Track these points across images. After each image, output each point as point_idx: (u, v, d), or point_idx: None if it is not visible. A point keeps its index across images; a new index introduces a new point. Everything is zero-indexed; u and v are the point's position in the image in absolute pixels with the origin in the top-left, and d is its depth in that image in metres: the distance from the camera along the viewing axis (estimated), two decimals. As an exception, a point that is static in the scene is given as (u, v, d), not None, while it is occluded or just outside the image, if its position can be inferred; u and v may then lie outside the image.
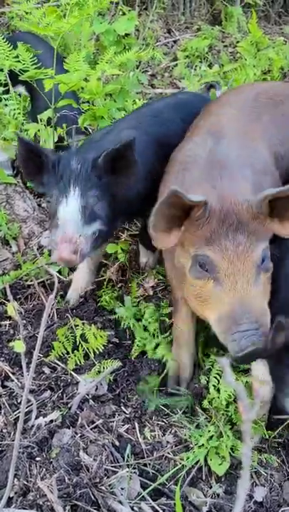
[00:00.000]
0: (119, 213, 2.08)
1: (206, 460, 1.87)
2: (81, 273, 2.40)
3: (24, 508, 1.66)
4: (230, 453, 1.87)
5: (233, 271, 1.58)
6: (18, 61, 2.51)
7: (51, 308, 2.29)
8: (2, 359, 2.13)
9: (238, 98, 2.23)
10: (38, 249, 2.56)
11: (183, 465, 1.83)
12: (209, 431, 1.90)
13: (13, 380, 2.07)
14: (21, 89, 3.01)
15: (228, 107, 2.17)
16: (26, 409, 1.94)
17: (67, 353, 2.13)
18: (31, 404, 1.96)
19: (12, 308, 1.28)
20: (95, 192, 1.94)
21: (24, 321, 2.25)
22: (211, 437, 1.88)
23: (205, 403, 1.98)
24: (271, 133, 2.08)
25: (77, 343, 2.13)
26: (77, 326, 2.14)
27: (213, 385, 2.00)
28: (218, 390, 2.00)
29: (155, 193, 2.08)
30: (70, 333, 2.15)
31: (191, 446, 1.89)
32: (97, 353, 2.11)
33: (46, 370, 2.13)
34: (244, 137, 1.97)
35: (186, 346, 2.12)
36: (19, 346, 1.30)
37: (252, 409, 0.68)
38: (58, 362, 2.12)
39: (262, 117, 2.10)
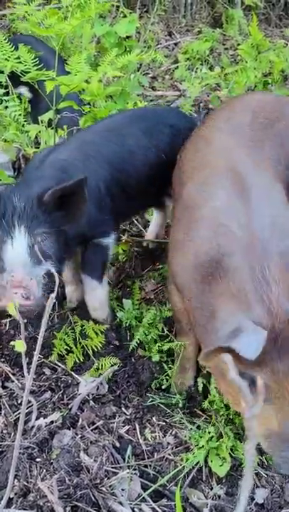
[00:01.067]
0: (68, 246, 1.96)
1: (206, 461, 1.86)
2: (71, 286, 2.35)
3: (24, 509, 1.65)
4: (230, 454, 1.86)
5: (283, 393, 1.45)
6: (20, 62, 2.52)
7: (52, 310, 2.29)
8: (3, 360, 2.13)
9: (231, 122, 2.05)
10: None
11: (183, 466, 1.83)
12: (209, 432, 1.90)
13: (13, 381, 2.07)
14: (23, 90, 3.02)
15: (222, 133, 2.01)
16: (26, 410, 1.94)
17: (67, 352, 2.13)
18: (32, 405, 1.96)
19: (13, 307, 1.28)
20: (43, 230, 1.79)
21: (25, 321, 2.25)
22: (211, 438, 1.88)
23: (205, 404, 1.98)
24: (277, 162, 1.95)
25: (77, 339, 2.13)
26: (76, 322, 2.15)
27: (215, 387, 2.00)
28: (220, 392, 1.99)
29: (106, 216, 2.07)
30: (70, 329, 2.15)
31: (192, 447, 1.89)
32: (97, 352, 2.11)
33: (47, 371, 2.13)
34: (268, 186, 1.81)
35: (192, 368, 2.10)
36: (20, 346, 1.30)
37: (255, 406, 0.68)
38: (58, 363, 2.12)
39: (264, 146, 1.95)
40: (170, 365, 2.12)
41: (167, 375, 2.11)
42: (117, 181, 2.15)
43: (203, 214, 1.76)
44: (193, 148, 2.07)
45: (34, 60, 2.55)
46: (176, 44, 4.61)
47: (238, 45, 4.40)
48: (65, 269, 2.15)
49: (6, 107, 2.87)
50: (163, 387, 2.10)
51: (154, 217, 2.69)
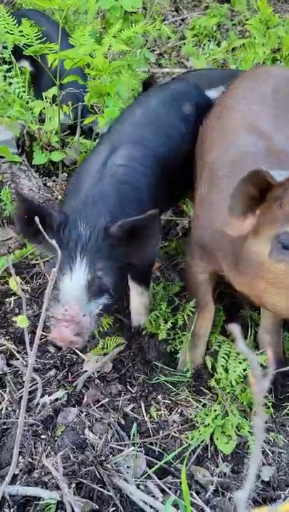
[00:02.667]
0: (125, 277, 1.88)
1: (212, 439, 1.85)
2: None
3: (29, 486, 1.65)
4: (236, 432, 1.85)
5: None
6: (22, 35, 2.47)
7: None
8: (7, 337, 2.12)
9: (254, 91, 2.04)
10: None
11: (189, 444, 1.82)
12: (215, 410, 1.88)
13: (18, 359, 2.06)
14: (26, 63, 2.97)
15: (245, 100, 2.00)
16: (31, 388, 1.94)
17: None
18: (36, 383, 1.95)
19: (14, 283, 1.26)
20: (105, 264, 1.66)
21: (29, 298, 2.24)
22: (216, 416, 1.87)
23: (212, 382, 1.96)
24: None
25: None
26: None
27: (222, 365, 1.98)
28: (227, 370, 1.97)
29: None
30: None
31: (197, 425, 1.88)
32: (102, 330, 2.09)
33: (51, 349, 2.11)
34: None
35: (203, 345, 2.08)
36: (23, 321, 1.28)
37: (265, 380, 0.65)
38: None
39: (286, 116, 1.92)
40: (176, 344, 2.10)
41: (174, 352, 2.09)
42: (162, 176, 2.02)
43: (217, 167, 1.78)
44: (215, 116, 2.06)
45: (37, 34, 2.49)
46: (183, 20, 4.51)
47: (247, 20, 4.30)
48: None
49: (10, 84, 2.83)
50: (169, 365, 2.08)
51: None
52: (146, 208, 1.71)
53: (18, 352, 2.07)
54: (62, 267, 1.64)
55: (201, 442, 1.83)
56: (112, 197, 1.78)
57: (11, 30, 2.54)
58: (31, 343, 1.35)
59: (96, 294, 1.66)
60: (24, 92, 2.80)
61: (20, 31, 2.53)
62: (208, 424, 1.84)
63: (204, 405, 1.93)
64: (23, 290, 2.04)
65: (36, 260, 2.38)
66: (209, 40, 4.16)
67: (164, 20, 4.38)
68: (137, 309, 2.16)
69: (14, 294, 2.27)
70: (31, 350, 1.32)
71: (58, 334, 1.61)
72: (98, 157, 1.91)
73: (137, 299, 2.14)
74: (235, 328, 0.70)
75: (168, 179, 2.06)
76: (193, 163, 2.13)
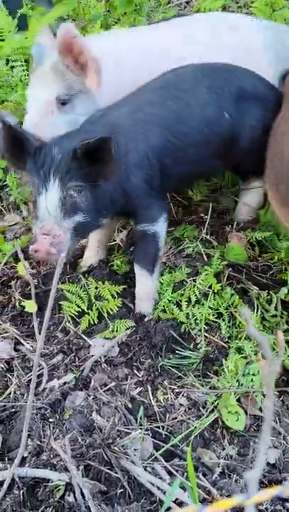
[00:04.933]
0: (102, 207, 1.97)
1: (218, 422, 1.87)
2: (91, 251, 2.34)
3: (38, 468, 1.67)
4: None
5: None
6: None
7: (62, 274, 2.28)
8: (14, 323, 2.14)
9: None
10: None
11: (195, 427, 1.83)
12: (220, 395, 1.90)
13: (23, 345, 2.07)
14: None
15: None
16: (39, 373, 1.95)
17: (79, 314, 2.12)
18: (42, 368, 1.97)
19: (22, 267, 1.26)
20: (76, 183, 1.86)
21: (36, 284, 2.25)
22: (222, 398, 1.88)
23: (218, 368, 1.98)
24: None
25: (92, 301, 2.13)
26: (90, 284, 2.14)
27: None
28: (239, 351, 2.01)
29: (153, 190, 2.03)
30: (83, 291, 2.15)
31: (204, 408, 1.89)
32: (109, 314, 2.10)
33: (58, 334, 2.13)
34: None
35: None
36: (31, 306, 1.29)
37: (275, 362, 0.66)
38: (70, 325, 2.12)
39: None
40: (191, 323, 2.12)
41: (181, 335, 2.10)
42: (172, 147, 2.06)
43: None
44: None
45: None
46: (187, 2, 4.45)
47: (252, 2, 4.25)
48: (90, 234, 2.16)
49: (12, 68, 2.81)
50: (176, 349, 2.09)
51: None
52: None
53: (27, 336, 2.09)
54: (39, 187, 1.87)
55: (208, 425, 1.84)
56: (90, 133, 1.90)
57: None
58: (39, 327, 1.36)
59: (70, 212, 1.86)
60: (27, 75, 2.78)
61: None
62: (215, 407, 1.86)
63: (211, 388, 1.95)
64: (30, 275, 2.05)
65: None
66: (214, 23, 4.11)
67: (168, 2, 4.33)
68: (139, 294, 2.18)
69: (19, 278, 2.28)
70: (40, 334, 1.33)
71: (36, 246, 1.79)
72: (101, 111, 2.12)
73: (140, 283, 2.16)
74: (245, 312, 0.70)
75: (174, 153, 2.09)
76: None
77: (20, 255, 1.32)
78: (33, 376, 1.44)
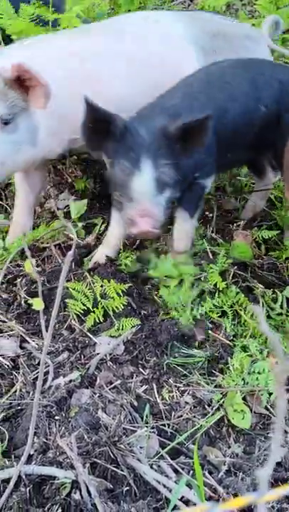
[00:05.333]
0: (180, 182, 2.03)
1: (224, 420, 1.87)
2: (113, 229, 2.35)
3: (44, 465, 1.68)
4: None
5: None
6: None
7: (69, 271, 2.28)
8: (19, 320, 2.14)
9: None
10: (53, 212, 2.54)
11: (201, 425, 1.84)
12: (226, 393, 1.90)
13: (29, 342, 2.07)
14: None
15: None
16: (44, 370, 1.95)
17: (85, 312, 2.13)
18: (48, 366, 1.97)
19: (30, 264, 1.27)
20: (166, 160, 1.90)
21: (42, 279, 2.25)
22: (228, 397, 1.88)
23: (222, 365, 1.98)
24: None
25: (98, 299, 2.14)
26: (95, 284, 2.15)
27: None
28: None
29: (211, 159, 2.12)
30: (89, 289, 2.15)
31: (209, 406, 1.89)
32: (114, 312, 2.11)
33: (64, 332, 2.13)
34: None
35: None
36: (38, 304, 1.29)
37: (286, 359, 0.66)
38: (75, 323, 2.12)
39: None
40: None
41: (185, 335, 2.10)
42: (218, 131, 2.10)
43: None
44: None
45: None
46: (191, 0, 4.45)
47: (256, 0, 4.24)
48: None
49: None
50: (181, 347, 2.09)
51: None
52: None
53: (33, 334, 2.09)
54: (131, 168, 1.88)
55: (214, 423, 1.84)
56: (165, 116, 1.97)
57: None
58: (46, 326, 1.36)
59: (161, 189, 1.91)
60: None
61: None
62: (221, 406, 1.86)
63: (216, 387, 1.95)
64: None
65: (47, 243, 2.39)
66: (218, 21, 4.10)
67: (172, 0, 4.33)
68: (177, 235, 2.26)
69: (24, 276, 2.29)
70: (46, 332, 1.33)
71: (138, 230, 1.87)
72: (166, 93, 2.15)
73: (181, 224, 2.25)
74: (257, 310, 0.70)
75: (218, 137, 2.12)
76: None
77: (28, 253, 1.32)
78: (40, 374, 1.44)
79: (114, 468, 1.68)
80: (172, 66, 2.30)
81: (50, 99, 1.98)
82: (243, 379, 1.95)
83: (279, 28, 2.68)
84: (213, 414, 1.87)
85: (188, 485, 1.63)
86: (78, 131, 1.97)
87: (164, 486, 1.65)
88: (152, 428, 1.82)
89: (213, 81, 2.18)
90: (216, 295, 2.17)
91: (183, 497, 1.62)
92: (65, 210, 2.58)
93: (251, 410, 1.89)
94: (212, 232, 2.46)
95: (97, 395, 1.89)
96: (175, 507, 1.58)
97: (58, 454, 1.70)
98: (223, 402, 1.89)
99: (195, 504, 1.60)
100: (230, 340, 2.09)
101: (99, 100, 1.88)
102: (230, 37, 2.43)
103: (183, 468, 1.72)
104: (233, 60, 2.28)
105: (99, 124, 1.90)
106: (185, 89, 2.15)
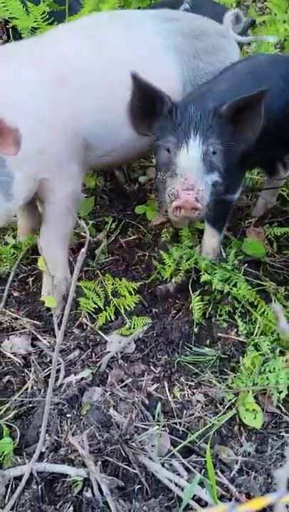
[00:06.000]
0: (232, 165, 2.00)
1: (235, 419, 1.86)
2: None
3: (56, 463, 1.68)
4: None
5: None
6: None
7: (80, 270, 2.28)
8: (32, 317, 2.14)
9: None
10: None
11: (213, 424, 1.83)
12: (238, 393, 1.89)
13: (41, 340, 2.08)
14: None
15: None
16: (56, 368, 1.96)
17: (96, 310, 2.13)
18: (60, 364, 1.97)
19: (43, 262, 1.26)
20: (215, 141, 1.86)
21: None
22: (240, 396, 1.87)
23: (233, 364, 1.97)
24: None
25: (109, 298, 2.14)
26: (106, 282, 2.14)
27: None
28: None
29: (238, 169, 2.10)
30: (100, 287, 2.15)
31: (221, 405, 1.88)
32: (126, 310, 2.10)
33: (75, 330, 2.13)
34: None
35: None
36: (51, 301, 1.29)
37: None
38: (87, 322, 2.12)
39: None
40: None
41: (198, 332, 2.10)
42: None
43: None
44: None
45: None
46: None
47: (267, -4, 4.21)
48: None
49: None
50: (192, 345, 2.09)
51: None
52: None
53: (44, 332, 2.09)
54: (179, 144, 1.84)
55: (226, 422, 1.83)
56: (217, 99, 1.92)
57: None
58: (59, 324, 1.36)
59: (209, 169, 1.84)
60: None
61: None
62: (233, 404, 1.85)
63: (228, 386, 1.94)
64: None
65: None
66: (229, 18, 4.08)
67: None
68: (205, 249, 2.30)
69: (36, 274, 2.29)
70: (59, 330, 1.33)
71: (180, 202, 1.75)
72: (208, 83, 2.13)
73: (208, 239, 2.28)
74: (277, 308, 0.69)
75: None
76: None
77: (41, 250, 1.32)
78: (52, 372, 1.44)
79: (126, 467, 1.68)
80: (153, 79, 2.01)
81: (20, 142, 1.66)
82: (254, 378, 1.94)
83: (240, 22, 2.64)
84: (224, 413, 1.86)
85: (200, 484, 1.62)
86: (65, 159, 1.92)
87: (176, 484, 1.65)
88: (164, 426, 1.82)
89: (248, 76, 2.13)
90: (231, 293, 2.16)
91: (195, 495, 1.62)
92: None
93: (263, 409, 1.87)
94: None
95: (109, 393, 1.88)
96: (187, 506, 1.58)
97: (69, 451, 1.70)
98: (235, 400, 1.88)
99: (207, 503, 1.60)
100: (241, 339, 2.08)
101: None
102: (206, 36, 2.27)
103: (195, 467, 1.71)
104: (271, 54, 2.26)
105: (146, 102, 1.89)
106: (233, 78, 2.12)
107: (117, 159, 2.21)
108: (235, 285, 2.14)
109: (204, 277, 2.14)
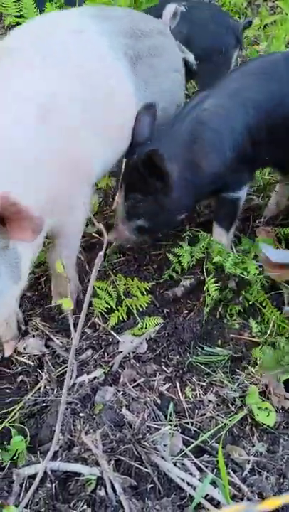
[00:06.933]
0: (198, 198, 2.17)
1: (247, 419, 1.87)
2: None
3: (69, 462, 1.70)
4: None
5: None
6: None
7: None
8: (45, 318, 2.16)
9: None
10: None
11: (225, 423, 1.84)
12: (250, 393, 1.90)
13: (54, 341, 2.10)
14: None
15: None
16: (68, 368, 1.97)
17: (108, 310, 2.14)
18: (72, 364, 1.99)
19: (60, 264, 1.28)
20: (136, 194, 2.08)
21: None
22: (252, 395, 1.88)
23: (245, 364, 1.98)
24: None
25: (121, 298, 2.15)
26: (118, 282, 2.16)
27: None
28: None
29: (244, 165, 2.11)
30: (112, 287, 2.16)
31: (233, 405, 1.90)
32: (138, 310, 2.12)
33: (87, 330, 2.15)
34: None
35: None
36: (67, 303, 1.30)
37: None
38: (99, 322, 2.14)
39: None
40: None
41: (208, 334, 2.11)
42: (266, 126, 2.10)
43: None
44: None
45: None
46: (212, -3, 4.43)
47: (278, -5, 4.21)
48: None
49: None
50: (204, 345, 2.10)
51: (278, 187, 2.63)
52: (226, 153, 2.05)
53: (57, 332, 2.11)
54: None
55: (237, 422, 1.84)
56: (176, 136, 2.04)
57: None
58: (75, 324, 1.37)
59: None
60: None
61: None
62: (244, 404, 1.86)
63: (239, 386, 1.95)
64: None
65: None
66: (240, 17, 4.08)
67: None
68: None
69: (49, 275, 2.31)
70: (75, 331, 1.35)
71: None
72: (196, 99, 2.15)
73: (217, 239, 2.28)
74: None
75: (269, 133, 2.11)
76: None
77: (53, 266, 1.33)
78: (68, 372, 1.46)
79: (139, 466, 1.70)
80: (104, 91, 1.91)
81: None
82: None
83: (177, 18, 2.46)
84: (236, 413, 1.87)
85: (212, 483, 1.64)
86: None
87: (188, 483, 1.66)
88: (176, 426, 1.83)
89: (263, 76, 2.14)
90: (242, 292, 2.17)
91: (207, 495, 1.63)
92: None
93: (275, 409, 1.88)
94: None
95: (121, 392, 1.90)
96: (199, 505, 1.59)
97: (82, 450, 1.72)
98: (247, 400, 1.89)
99: (219, 502, 1.61)
100: (253, 339, 2.09)
101: None
102: (147, 36, 2.13)
103: (207, 467, 1.73)
104: (282, 53, 2.27)
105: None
106: (226, 93, 2.13)
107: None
108: (245, 269, 2.15)
109: (216, 259, 2.14)
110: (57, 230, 1.89)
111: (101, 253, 1.17)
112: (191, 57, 2.55)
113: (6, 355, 2.02)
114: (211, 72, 2.65)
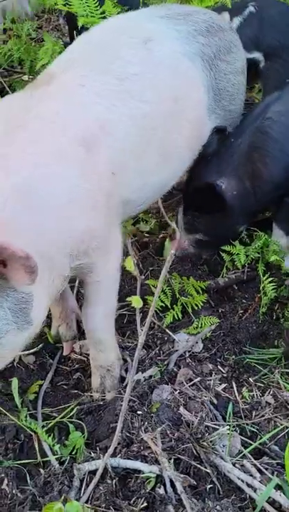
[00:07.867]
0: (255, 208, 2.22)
1: (307, 422, 1.84)
2: None
3: (129, 459, 1.70)
4: None
5: None
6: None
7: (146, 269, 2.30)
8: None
9: None
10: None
11: (284, 426, 1.82)
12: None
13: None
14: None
15: None
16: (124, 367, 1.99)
17: (163, 310, 2.14)
18: (127, 363, 2.00)
19: (131, 262, 1.29)
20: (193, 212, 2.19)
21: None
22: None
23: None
24: None
25: (176, 296, 2.15)
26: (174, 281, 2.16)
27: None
28: None
29: None
30: (167, 286, 2.16)
31: (292, 407, 1.88)
32: (193, 309, 2.12)
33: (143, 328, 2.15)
34: None
35: None
36: (137, 302, 1.31)
37: None
38: (154, 320, 2.14)
39: None
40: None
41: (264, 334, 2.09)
42: None
43: None
44: None
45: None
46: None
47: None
48: None
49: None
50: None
51: None
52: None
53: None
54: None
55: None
56: (237, 155, 2.07)
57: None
58: (142, 322, 1.38)
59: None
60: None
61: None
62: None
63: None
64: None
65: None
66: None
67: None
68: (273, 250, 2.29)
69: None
70: (142, 330, 1.35)
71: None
72: (261, 106, 2.17)
73: (275, 240, 2.27)
74: None
75: None
76: None
77: (131, 251, 1.34)
78: (132, 369, 1.46)
79: (198, 465, 1.69)
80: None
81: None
82: None
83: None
84: (295, 416, 1.84)
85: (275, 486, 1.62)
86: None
87: (249, 485, 1.64)
88: (233, 427, 1.82)
89: None
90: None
91: (269, 497, 1.61)
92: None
93: None
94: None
95: (178, 391, 1.90)
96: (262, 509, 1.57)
97: (142, 448, 1.72)
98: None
99: (281, 505, 1.59)
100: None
101: None
102: (223, 31, 2.06)
103: (266, 469, 1.71)
104: None
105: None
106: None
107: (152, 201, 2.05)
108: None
109: (273, 258, 2.13)
110: (85, 273, 1.71)
111: (172, 252, 1.16)
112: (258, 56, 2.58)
113: (65, 353, 2.04)
114: (279, 73, 2.59)
